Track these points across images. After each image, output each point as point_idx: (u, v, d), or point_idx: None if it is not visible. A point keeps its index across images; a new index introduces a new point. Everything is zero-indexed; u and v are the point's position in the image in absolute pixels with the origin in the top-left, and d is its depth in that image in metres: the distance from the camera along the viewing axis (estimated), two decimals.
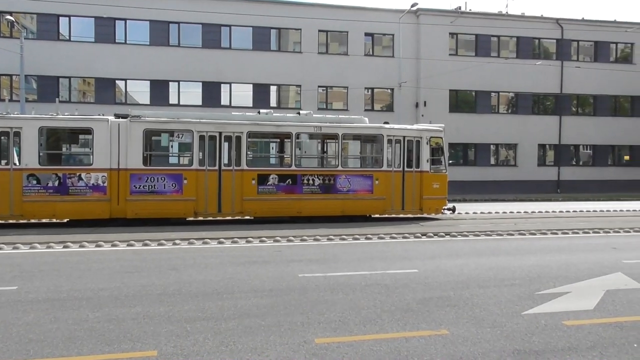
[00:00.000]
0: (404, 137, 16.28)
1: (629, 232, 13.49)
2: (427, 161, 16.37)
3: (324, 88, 30.50)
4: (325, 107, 30.13)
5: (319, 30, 30.02)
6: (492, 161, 32.61)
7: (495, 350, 4.68)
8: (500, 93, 32.65)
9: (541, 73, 31.95)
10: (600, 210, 20.16)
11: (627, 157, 34.49)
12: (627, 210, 20.45)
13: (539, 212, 19.51)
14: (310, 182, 15.29)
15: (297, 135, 15.46)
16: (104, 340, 4.90)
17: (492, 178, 31.48)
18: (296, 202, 15.18)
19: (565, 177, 32.81)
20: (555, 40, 33.16)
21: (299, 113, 16.51)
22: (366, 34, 30.65)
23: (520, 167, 32.40)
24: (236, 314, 5.77)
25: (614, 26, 33.44)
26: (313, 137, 16.35)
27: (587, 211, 19.91)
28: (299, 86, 29.95)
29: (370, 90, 31.03)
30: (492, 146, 32.52)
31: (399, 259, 9.40)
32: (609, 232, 13.34)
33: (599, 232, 13.31)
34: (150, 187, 14.18)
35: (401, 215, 16.49)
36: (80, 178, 13.79)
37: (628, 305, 6.23)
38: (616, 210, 20.32)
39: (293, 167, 15.28)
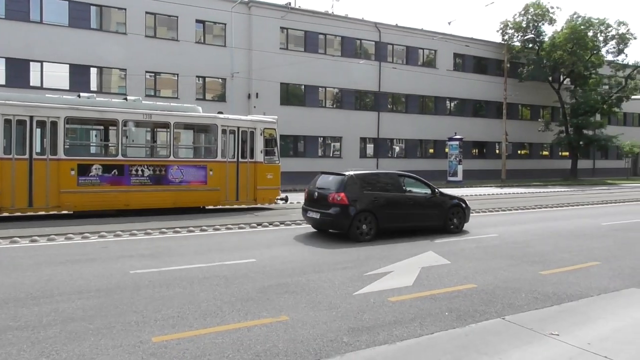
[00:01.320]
0: (239, 127, 16.24)
1: None
2: (261, 152, 16.57)
3: (152, 74, 28.81)
4: (153, 94, 28.49)
5: (147, 12, 28.20)
6: (320, 153, 34.35)
7: (332, 331, 4.97)
8: (327, 88, 34.49)
9: (362, 72, 34.56)
10: None
11: (431, 150, 39.24)
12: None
13: None
14: (139, 172, 14.37)
15: (124, 123, 14.37)
16: None
17: (320, 169, 32.85)
18: (123, 195, 14.14)
19: (382, 168, 36.05)
20: (374, 43, 36.09)
21: (125, 99, 15.36)
22: (197, 21, 29.71)
23: (345, 158, 34.68)
24: (58, 319, 5.18)
25: (422, 34, 37.62)
26: (142, 125, 15.33)
27: None
28: (124, 70, 27.84)
29: (202, 79, 30.21)
30: (320, 138, 34.22)
31: (237, 250, 9.38)
32: None
33: None
34: None
35: (236, 206, 16.47)
36: None
37: (439, 279, 7.12)
38: None
39: (120, 157, 14.17)
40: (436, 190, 11.97)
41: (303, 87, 33.25)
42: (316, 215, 10.96)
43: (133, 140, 15.53)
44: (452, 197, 12.28)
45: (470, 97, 40.15)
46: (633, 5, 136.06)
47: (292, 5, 32.60)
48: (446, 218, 11.74)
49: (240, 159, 16.23)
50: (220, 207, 16.18)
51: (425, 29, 37.99)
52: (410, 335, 4.90)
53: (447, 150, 36.39)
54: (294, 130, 31.88)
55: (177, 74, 29.04)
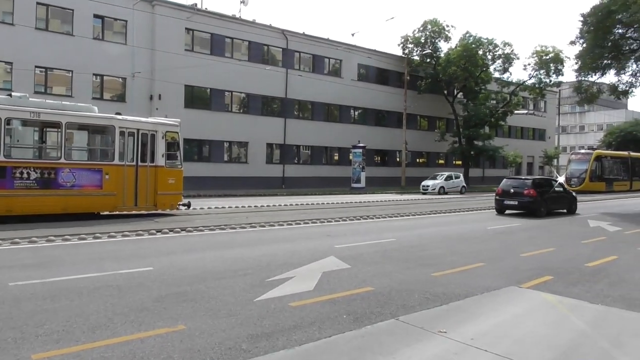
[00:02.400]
0: (138, 129, 15.55)
1: (339, 221, 15.79)
2: (163, 156, 15.99)
3: (43, 69, 26.74)
4: (44, 91, 26.44)
5: (38, 3, 26.17)
6: (226, 158, 33.86)
7: (231, 338, 4.91)
8: (234, 93, 34.13)
9: (269, 77, 34.63)
10: (318, 203, 23.01)
11: (336, 157, 40.21)
12: (337, 203, 23.86)
13: (268, 205, 21.14)
14: (25, 175, 13.23)
15: (8, 121, 13.18)
16: None
17: (225, 174, 32.64)
18: (5, 199, 12.93)
19: (289, 174, 36.31)
20: (281, 49, 36.35)
21: (10, 95, 14.10)
22: (96, 16, 28.07)
23: (251, 164, 34.48)
24: None
25: (328, 43, 38.53)
26: (29, 124, 14.15)
27: (307, 204, 22.47)
28: (10, 64, 25.57)
29: (99, 77, 28.56)
30: (225, 143, 33.74)
31: (133, 258, 8.95)
32: (324, 222, 15.36)
33: (316, 222, 15.18)
34: None
35: (134, 212, 15.70)
36: None
37: (339, 283, 7.30)
38: (330, 203, 23.51)
39: (1, 158, 12.95)
40: (566, 188, 21.51)
41: (209, 90, 32.64)
42: (514, 202, 18.91)
43: (18, 140, 14.27)
44: (571, 192, 21.45)
45: (373, 107, 41.74)
46: (516, 28, 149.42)
47: (199, 6, 31.91)
48: (571, 204, 20.38)
49: (139, 163, 15.54)
50: (117, 212, 15.35)
51: (332, 38, 38.92)
52: (309, 339, 4.97)
53: (351, 157, 37.47)
54: (199, 134, 31.16)
55: (72, 71, 27.24)
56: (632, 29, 23.08)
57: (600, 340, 5.13)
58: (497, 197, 19.61)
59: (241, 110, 34.89)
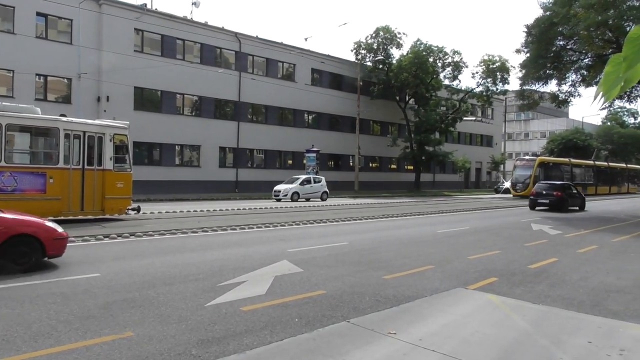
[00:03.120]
0: (85, 132, 15.04)
1: (292, 225, 15.80)
2: (111, 159, 15.53)
3: None
4: None
5: None
6: (177, 161, 33.23)
7: (180, 344, 4.83)
8: (185, 95, 33.57)
9: (222, 80, 34.30)
10: (271, 207, 22.93)
11: (290, 161, 40.24)
12: (291, 207, 23.86)
13: (220, 210, 20.88)
14: None
15: None
16: None
17: (176, 178, 32.04)
18: None
19: (242, 178, 36.02)
20: (234, 52, 36.09)
21: None
22: (39, 14, 26.98)
23: (203, 167, 33.99)
24: None
25: (281, 47, 38.57)
26: None
27: (260, 208, 22.35)
28: None
29: (43, 77, 27.43)
30: (177, 147, 33.11)
31: (78, 264, 8.64)
32: (277, 226, 15.32)
33: (269, 227, 15.13)
34: None
35: (81, 217, 15.15)
36: None
37: (291, 287, 7.32)
38: (283, 207, 23.47)
39: None
40: (578, 189, 28.45)
41: (159, 92, 31.97)
42: (547, 201, 25.24)
43: None
44: (581, 194, 28.00)
45: (327, 112, 42.08)
46: (465, 37, 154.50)
47: (148, 7, 31.24)
48: (582, 203, 26.97)
49: (86, 166, 15.03)
50: (63, 218, 14.74)
51: (285, 43, 38.97)
52: (260, 344, 4.96)
53: (304, 161, 37.58)
54: (149, 137, 30.48)
55: (13, 71, 26.06)
56: (572, 41, 24.30)
57: (540, 338, 5.38)
58: (531, 197, 26.56)
59: (193, 113, 34.35)
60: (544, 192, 25.86)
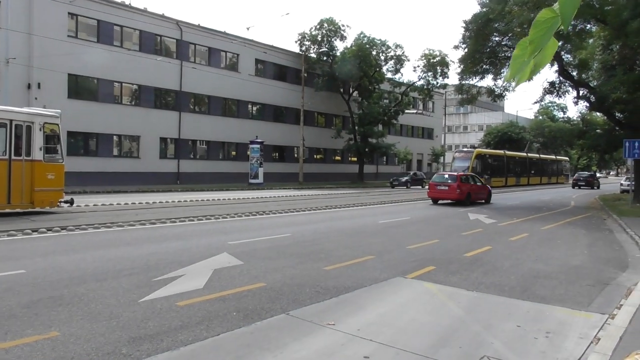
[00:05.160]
0: (11, 120, 14.12)
1: (235, 217, 15.57)
2: (41, 149, 14.67)
3: None
4: None
5: None
6: (115, 152, 31.95)
7: (110, 343, 4.62)
8: (124, 84, 32.26)
9: (163, 69, 33.21)
10: (213, 199, 22.51)
11: (234, 153, 39.66)
12: (234, 199, 23.53)
13: (160, 202, 20.27)
14: None
15: None
16: None
17: (114, 169, 30.82)
18: None
19: (184, 170, 35.14)
20: (175, 40, 35.00)
21: None
22: None
23: (143, 159, 32.88)
24: None
25: (224, 36, 37.80)
26: None
27: (202, 200, 21.88)
28: None
29: None
30: (115, 137, 31.81)
31: (2, 260, 8.11)
32: (219, 218, 15.05)
33: (210, 219, 14.83)
34: None
35: (8, 210, 14.22)
36: None
37: (230, 280, 7.19)
38: (226, 199, 23.10)
39: None
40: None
41: (96, 80, 30.57)
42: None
43: None
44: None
45: (271, 103, 41.73)
46: (407, 31, 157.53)
47: None
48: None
49: (13, 157, 14.12)
50: None
51: (228, 32, 38.23)
52: (196, 339, 4.83)
53: (248, 153, 37.16)
54: (85, 126, 29.15)
55: None
56: (507, 38, 25.22)
57: (473, 324, 5.56)
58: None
59: (132, 103, 33.09)
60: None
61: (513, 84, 28.14)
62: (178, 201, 21.17)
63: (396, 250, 10.35)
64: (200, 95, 36.85)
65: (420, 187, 42.29)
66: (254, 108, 41.22)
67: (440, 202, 23.78)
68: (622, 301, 6.55)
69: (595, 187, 48.73)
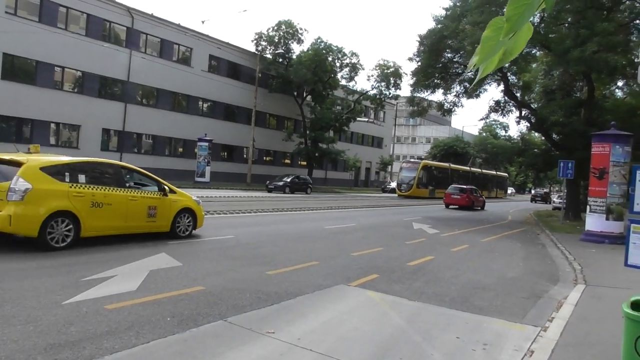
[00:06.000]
0: None
1: None
2: None
3: None
4: None
5: None
6: (52, 141, 30.33)
7: (24, 350, 4.17)
8: (66, 69, 30.71)
9: (110, 57, 31.89)
10: None
11: (181, 149, 38.63)
12: None
13: None
14: None
15: None
16: None
17: None
18: None
19: (128, 163, 33.73)
20: (126, 28, 33.73)
21: None
22: None
23: (83, 149, 31.36)
24: None
25: (178, 29, 36.81)
26: None
27: None
28: None
29: None
30: (52, 124, 30.20)
31: None
32: None
33: None
34: None
35: None
36: None
37: (167, 283, 6.81)
38: None
39: None
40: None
41: (35, 62, 28.92)
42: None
43: None
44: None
45: (223, 101, 41.01)
46: (363, 40, 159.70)
47: None
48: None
49: None
50: None
51: (183, 24, 37.29)
52: (123, 347, 4.46)
53: (196, 150, 36.28)
54: (20, 111, 27.51)
55: None
56: (459, 55, 25.87)
57: (414, 335, 5.49)
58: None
59: (75, 90, 31.54)
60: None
61: (463, 99, 28.96)
62: None
63: (340, 256, 10.24)
64: (149, 88, 35.67)
65: (304, 193, 36.10)
66: (205, 105, 40.34)
67: (450, 206, 32.22)
68: (554, 314, 6.69)
69: (549, 202, 52.76)
